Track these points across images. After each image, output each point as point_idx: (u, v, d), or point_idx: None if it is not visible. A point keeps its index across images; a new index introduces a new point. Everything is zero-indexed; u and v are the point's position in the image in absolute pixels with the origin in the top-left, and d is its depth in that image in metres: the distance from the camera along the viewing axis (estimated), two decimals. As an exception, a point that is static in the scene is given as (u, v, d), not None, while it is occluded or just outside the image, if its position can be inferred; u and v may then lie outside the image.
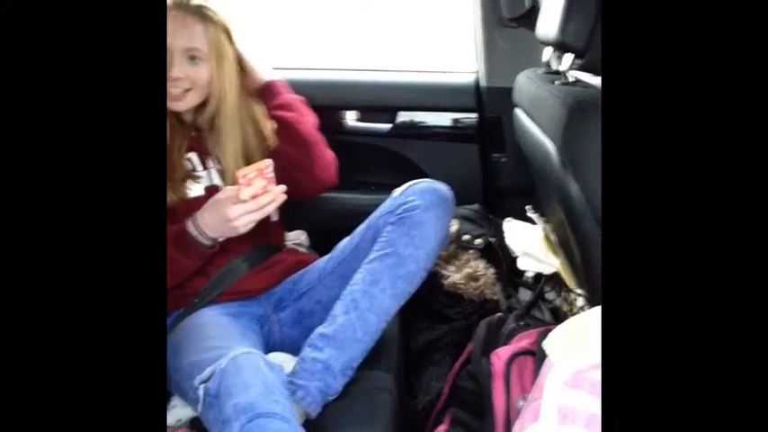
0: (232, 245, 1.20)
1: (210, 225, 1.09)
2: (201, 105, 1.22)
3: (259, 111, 1.28)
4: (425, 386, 1.21)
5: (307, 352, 1.04)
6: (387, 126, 1.73)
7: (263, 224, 1.13)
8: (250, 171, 1.06)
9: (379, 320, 1.07)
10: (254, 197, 1.05)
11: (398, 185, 1.16)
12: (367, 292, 1.07)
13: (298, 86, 1.75)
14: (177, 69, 1.15)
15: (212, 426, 0.90)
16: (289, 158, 1.22)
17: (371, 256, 1.10)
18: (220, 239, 1.13)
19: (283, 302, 1.22)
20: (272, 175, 1.07)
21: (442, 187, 1.14)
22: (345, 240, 1.22)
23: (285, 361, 1.06)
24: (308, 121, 1.28)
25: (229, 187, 1.11)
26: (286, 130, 1.25)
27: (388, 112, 1.74)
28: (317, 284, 1.20)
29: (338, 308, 1.07)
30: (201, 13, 1.17)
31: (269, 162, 1.07)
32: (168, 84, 1.15)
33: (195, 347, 1.03)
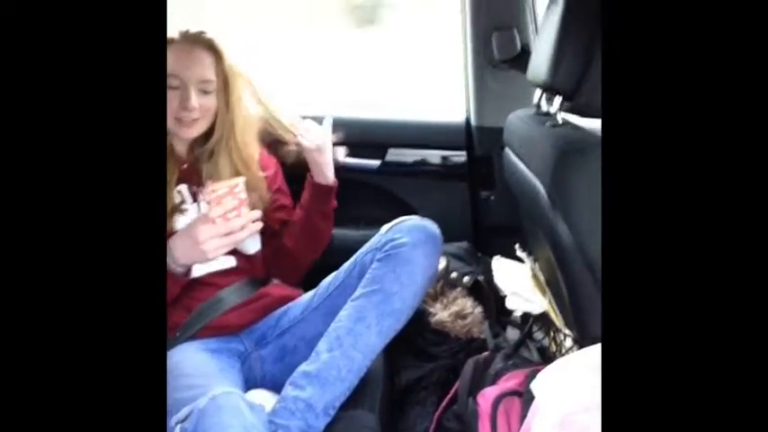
0: (214, 278, 1.19)
1: (181, 248, 1.07)
2: (200, 137, 1.24)
3: (253, 155, 1.28)
4: (410, 426, 1.18)
5: (288, 390, 1.02)
6: (376, 163, 1.74)
7: (244, 256, 1.12)
8: (220, 187, 1.04)
9: (365, 358, 1.05)
10: (224, 218, 1.04)
11: (387, 222, 1.16)
12: (352, 329, 1.05)
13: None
14: (193, 99, 1.16)
15: None
16: (292, 255, 1.27)
17: (357, 293, 1.09)
18: (192, 264, 1.11)
19: (265, 339, 1.20)
20: (244, 196, 1.06)
21: (431, 225, 1.15)
22: (331, 276, 1.21)
23: (266, 399, 1.04)
24: (331, 228, 1.32)
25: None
26: (311, 236, 1.29)
27: (377, 149, 1.74)
28: (300, 321, 1.19)
29: (322, 345, 1.05)
30: (211, 46, 1.20)
31: (240, 180, 1.06)
32: (181, 113, 1.17)
33: (173, 385, 1.00)
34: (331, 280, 1.20)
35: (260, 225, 1.08)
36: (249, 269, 1.25)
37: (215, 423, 0.86)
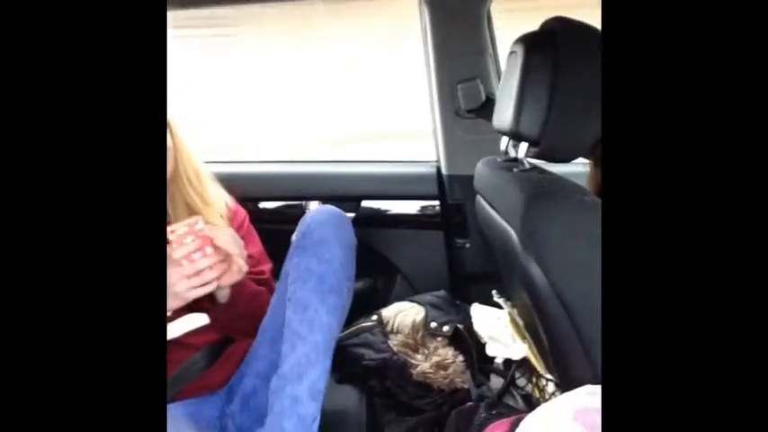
0: (189, 338, 1.17)
1: None
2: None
3: (209, 195, 1.28)
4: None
5: (272, 399, 1.01)
6: (350, 215, 1.74)
7: (217, 307, 1.10)
8: (179, 227, 1.03)
9: (325, 338, 1.04)
10: (189, 259, 1.02)
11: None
12: (302, 319, 1.05)
13: (259, 179, 1.78)
14: None
15: None
16: (229, 324, 1.20)
17: (290, 289, 1.08)
18: (170, 310, 1.09)
19: (231, 392, 1.18)
20: (207, 233, 1.04)
21: (328, 206, 1.16)
22: (269, 309, 1.19)
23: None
24: (266, 294, 1.25)
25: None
26: (250, 319, 1.21)
27: (351, 202, 1.75)
28: (251, 360, 1.17)
29: (284, 348, 1.05)
30: None
31: (198, 218, 1.05)
32: None
33: None
34: (269, 311, 1.18)
35: (225, 266, 1.06)
36: (223, 319, 1.22)
37: None
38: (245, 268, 1.07)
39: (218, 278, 1.04)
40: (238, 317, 1.15)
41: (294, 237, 1.14)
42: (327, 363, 1.05)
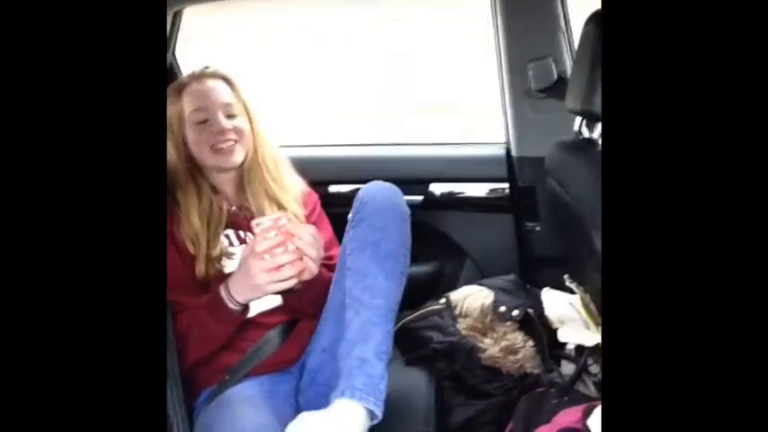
0: (261, 318, 1.20)
1: (237, 287, 1.09)
2: (242, 183, 1.28)
3: (286, 180, 1.32)
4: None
5: (340, 365, 1.04)
6: (418, 198, 1.74)
7: (289, 291, 1.12)
8: (264, 221, 1.05)
9: (386, 303, 1.07)
10: (271, 253, 1.04)
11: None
12: (363, 286, 1.07)
13: (329, 163, 1.80)
14: (223, 122, 1.22)
15: None
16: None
17: (348, 262, 1.10)
18: (249, 302, 1.12)
19: (302, 369, 1.21)
20: (291, 229, 1.06)
21: (379, 181, 1.17)
22: (331, 286, 1.21)
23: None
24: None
25: (251, 241, 1.11)
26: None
27: (419, 185, 1.75)
28: (316, 336, 1.19)
29: (348, 315, 1.07)
30: (223, 77, 1.28)
31: (283, 214, 1.07)
32: (217, 141, 1.22)
33: (232, 429, 1.00)
34: (332, 286, 1.19)
35: (304, 265, 1.07)
36: (295, 305, 1.25)
37: None
38: (315, 271, 1.09)
39: (296, 276, 1.06)
40: (308, 303, 1.18)
41: (350, 214, 1.16)
42: (390, 326, 1.07)
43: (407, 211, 1.15)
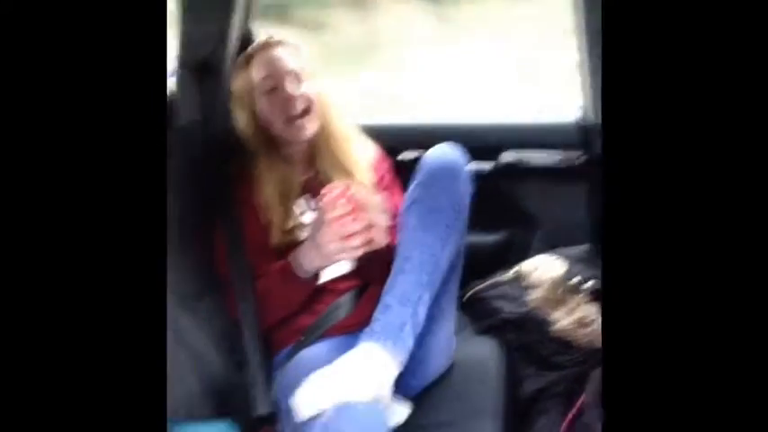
0: (334, 284, 1.23)
1: (307, 255, 1.12)
2: (313, 152, 1.30)
3: (353, 147, 1.33)
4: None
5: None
6: (489, 165, 1.72)
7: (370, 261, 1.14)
8: (333, 189, 1.07)
9: (422, 254, 1.07)
10: (340, 222, 1.06)
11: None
12: (402, 239, 1.10)
13: (399, 131, 1.80)
14: (291, 90, 1.24)
15: None
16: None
17: (400, 219, 1.12)
18: (319, 270, 1.15)
19: None
20: (359, 198, 1.07)
21: (443, 144, 1.17)
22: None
23: (391, 403, 1.06)
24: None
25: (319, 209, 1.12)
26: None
27: (490, 152, 1.72)
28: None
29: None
30: (289, 45, 1.30)
31: (352, 182, 1.08)
32: (289, 108, 1.24)
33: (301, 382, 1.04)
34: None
35: (372, 236, 1.08)
36: (365, 271, 1.27)
37: (343, 427, 0.90)
38: (385, 241, 1.10)
39: (365, 245, 1.08)
40: (378, 269, 1.19)
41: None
42: (424, 277, 1.06)
43: (460, 169, 1.14)
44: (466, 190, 1.15)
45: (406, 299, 1.05)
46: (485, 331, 1.35)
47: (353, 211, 1.06)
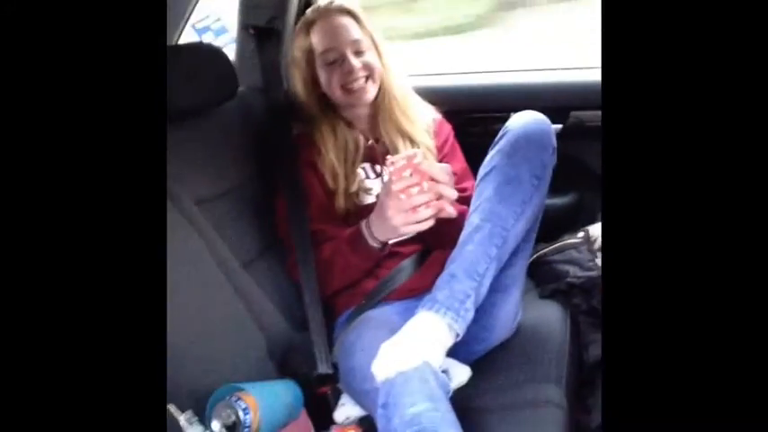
0: (397, 248, 1.22)
1: (376, 226, 1.12)
2: (375, 117, 1.30)
3: (415, 112, 1.32)
4: (599, 403, 1.13)
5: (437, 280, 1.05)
6: (558, 126, 1.66)
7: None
8: (398, 159, 1.03)
9: (494, 227, 1.04)
10: (407, 193, 1.04)
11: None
12: (475, 208, 1.07)
13: (463, 92, 1.76)
14: (353, 62, 1.23)
15: None
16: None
17: (477, 185, 1.09)
18: (388, 240, 1.14)
19: None
20: (425, 169, 1.03)
21: (530, 111, 1.12)
22: None
23: (452, 366, 1.06)
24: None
25: (387, 181, 1.10)
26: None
27: (559, 113, 1.66)
28: (449, 262, 1.17)
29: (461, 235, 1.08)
30: (349, 12, 1.27)
31: (417, 151, 1.05)
32: (350, 81, 1.24)
33: (369, 352, 1.03)
34: None
35: (441, 206, 1.05)
36: (426, 240, 1.26)
37: (404, 393, 0.90)
38: (454, 213, 1.07)
39: (433, 217, 1.05)
40: (441, 235, 1.17)
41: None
42: (492, 250, 1.03)
43: (546, 139, 1.09)
44: (550, 162, 1.09)
45: (472, 271, 1.03)
46: (550, 295, 1.32)
47: (420, 182, 1.03)
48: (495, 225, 1.04)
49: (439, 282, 1.04)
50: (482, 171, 1.10)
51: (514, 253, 1.09)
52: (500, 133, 1.11)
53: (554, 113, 1.63)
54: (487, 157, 1.10)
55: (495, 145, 1.10)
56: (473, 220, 1.06)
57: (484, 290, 1.04)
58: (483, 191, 1.07)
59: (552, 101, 1.65)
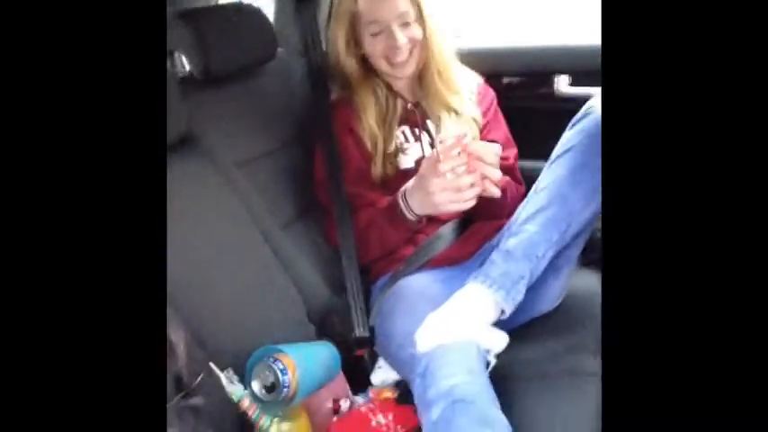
0: (442, 216, 1.21)
1: (416, 200, 1.10)
2: (416, 82, 1.28)
3: (458, 80, 1.29)
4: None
5: (492, 254, 1.04)
6: (596, 90, 1.60)
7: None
8: (448, 138, 1.03)
9: (560, 212, 1.01)
10: (454, 172, 1.02)
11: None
12: (543, 187, 1.03)
13: (505, 54, 1.71)
14: (399, 36, 1.20)
15: (418, 402, 0.93)
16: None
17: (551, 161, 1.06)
18: (426, 215, 1.13)
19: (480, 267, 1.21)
20: (473, 150, 1.02)
21: None
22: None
23: (490, 332, 1.05)
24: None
25: (431, 157, 1.08)
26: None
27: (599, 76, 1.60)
28: (500, 235, 1.15)
29: (519, 207, 1.07)
30: None
31: (467, 131, 1.04)
32: (394, 54, 1.21)
33: (407, 319, 1.04)
34: None
35: (487, 188, 1.04)
36: (470, 208, 1.24)
37: (441, 365, 0.90)
38: (497, 194, 1.06)
39: (477, 196, 1.04)
40: (483, 206, 1.15)
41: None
42: (554, 235, 1.01)
43: None
44: None
45: (531, 253, 1.01)
46: (590, 263, 1.30)
47: (468, 162, 1.02)
48: (561, 209, 1.01)
49: (494, 256, 1.02)
50: (559, 148, 1.05)
51: (575, 236, 1.06)
52: (583, 110, 1.06)
53: (595, 77, 1.59)
54: (567, 134, 1.06)
55: (576, 122, 1.06)
56: (540, 198, 1.03)
57: (538, 272, 1.03)
58: (555, 170, 1.04)
59: (598, 64, 1.59)
